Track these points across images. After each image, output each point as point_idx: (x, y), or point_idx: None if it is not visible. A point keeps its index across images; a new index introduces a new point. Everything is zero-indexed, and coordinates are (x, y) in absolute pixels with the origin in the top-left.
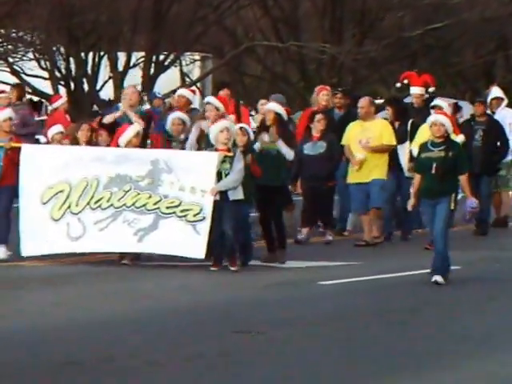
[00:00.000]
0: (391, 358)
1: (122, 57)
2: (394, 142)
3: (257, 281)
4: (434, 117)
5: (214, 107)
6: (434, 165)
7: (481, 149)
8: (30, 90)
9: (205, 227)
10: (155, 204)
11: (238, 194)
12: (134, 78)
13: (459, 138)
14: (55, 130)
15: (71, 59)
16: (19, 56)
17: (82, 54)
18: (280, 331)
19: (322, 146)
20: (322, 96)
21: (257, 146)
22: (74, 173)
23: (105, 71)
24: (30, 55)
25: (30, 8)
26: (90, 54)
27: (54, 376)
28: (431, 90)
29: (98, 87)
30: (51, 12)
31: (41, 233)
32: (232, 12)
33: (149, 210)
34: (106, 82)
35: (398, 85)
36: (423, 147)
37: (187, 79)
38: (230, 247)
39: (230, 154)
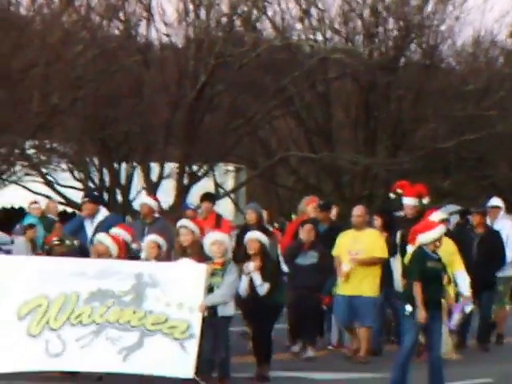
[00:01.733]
0: None
1: (155, 167)
2: (386, 255)
3: None
4: (441, 229)
5: (190, 231)
6: (443, 274)
7: (475, 263)
8: (63, 201)
9: (193, 345)
10: (140, 320)
11: (227, 311)
12: (168, 188)
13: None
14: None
15: (104, 170)
16: (52, 166)
17: (115, 165)
18: None
19: (314, 255)
20: (310, 208)
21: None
22: (52, 286)
23: (138, 182)
24: (64, 166)
25: (63, 119)
26: (123, 165)
27: None
28: (425, 201)
29: (131, 197)
30: (84, 123)
31: (16, 349)
32: (265, 123)
33: (133, 327)
34: (138, 192)
35: (392, 195)
36: (423, 256)
37: (221, 190)
38: (222, 367)
39: (219, 267)
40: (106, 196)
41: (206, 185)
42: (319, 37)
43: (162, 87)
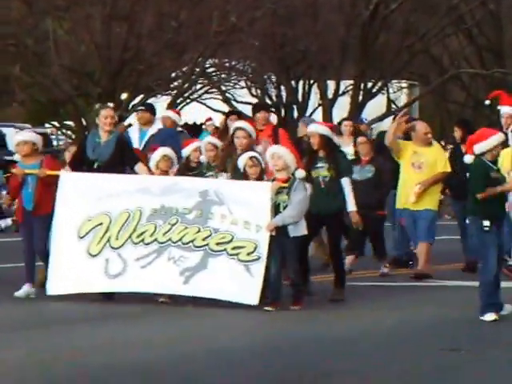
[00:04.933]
0: None
1: (331, 85)
2: (449, 169)
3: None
4: (497, 138)
5: (247, 133)
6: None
7: None
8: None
9: (259, 269)
10: (204, 240)
11: (299, 231)
12: (343, 104)
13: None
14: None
15: (282, 87)
16: (231, 84)
17: (293, 82)
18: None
19: (370, 170)
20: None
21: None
22: (116, 203)
23: (315, 98)
24: (242, 83)
25: (242, 38)
26: (301, 82)
27: None
28: None
29: (307, 114)
30: (263, 41)
31: (75, 270)
32: (438, 40)
33: (197, 247)
34: (315, 109)
35: (487, 102)
36: (484, 167)
37: (394, 106)
38: (296, 288)
39: (285, 185)
40: (283, 112)
41: (379, 101)
42: None
43: (337, 7)
